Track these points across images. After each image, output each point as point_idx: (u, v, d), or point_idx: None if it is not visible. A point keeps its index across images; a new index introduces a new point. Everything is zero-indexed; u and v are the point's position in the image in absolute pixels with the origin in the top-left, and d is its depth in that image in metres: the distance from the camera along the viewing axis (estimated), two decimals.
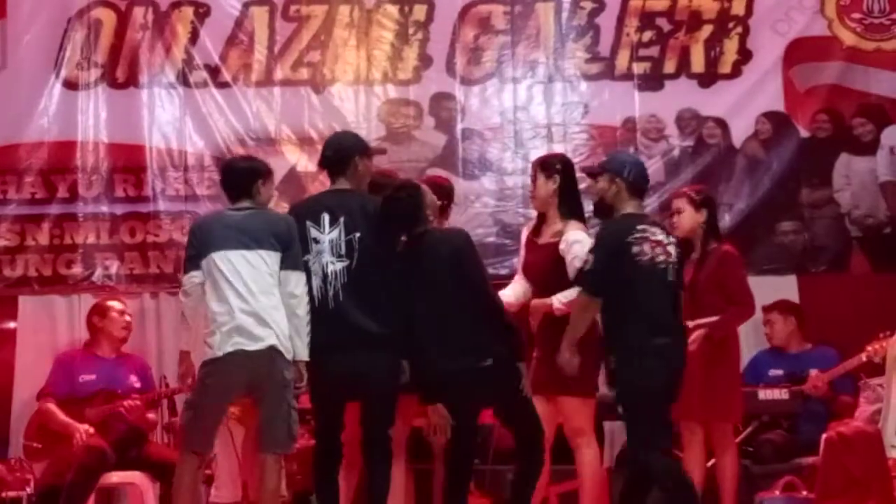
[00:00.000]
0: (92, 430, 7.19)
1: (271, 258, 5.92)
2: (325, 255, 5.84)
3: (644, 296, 5.92)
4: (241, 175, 6.20)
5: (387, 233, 5.90)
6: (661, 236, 6.02)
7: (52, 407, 7.32)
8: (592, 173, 6.28)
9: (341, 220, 5.86)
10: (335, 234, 5.86)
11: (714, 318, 6.60)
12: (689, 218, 6.75)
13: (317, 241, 5.87)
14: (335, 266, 5.83)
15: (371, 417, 5.85)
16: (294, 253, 5.92)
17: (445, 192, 6.53)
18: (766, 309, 7.87)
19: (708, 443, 6.77)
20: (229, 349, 5.90)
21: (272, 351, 5.89)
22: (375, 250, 5.84)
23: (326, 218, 5.89)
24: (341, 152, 6.09)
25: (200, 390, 6.05)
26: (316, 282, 5.85)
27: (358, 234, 5.83)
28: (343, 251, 5.83)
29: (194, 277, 6.02)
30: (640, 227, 5.98)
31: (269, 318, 5.88)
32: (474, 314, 5.87)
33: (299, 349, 5.90)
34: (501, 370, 5.90)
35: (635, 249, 5.92)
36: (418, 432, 6.36)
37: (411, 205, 5.95)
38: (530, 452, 6.05)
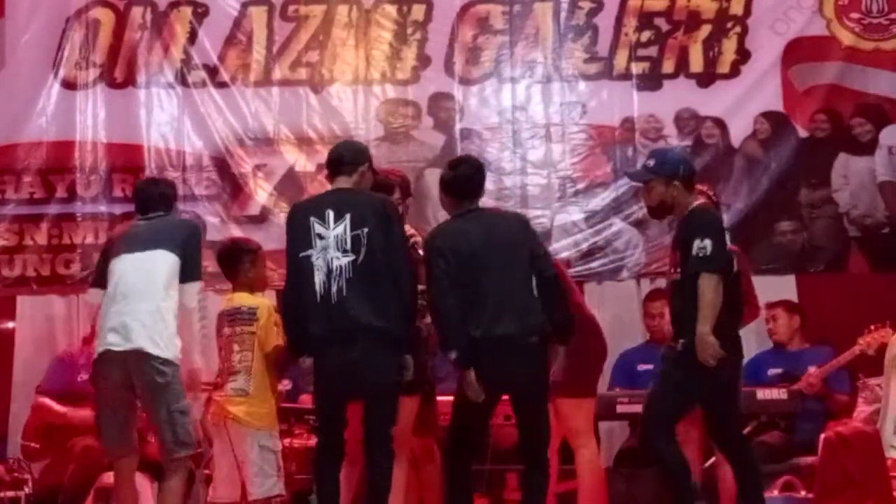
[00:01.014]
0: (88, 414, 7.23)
1: (167, 259, 6.00)
2: (330, 251, 5.82)
3: (728, 285, 5.95)
4: (153, 196, 6.30)
5: (398, 227, 5.92)
6: None
7: (47, 401, 7.29)
8: (642, 179, 6.27)
9: (347, 216, 5.84)
10: (340, 229, 5.84)
11: None
12: None
13: (321, 237, 5.85)
14: (340, 261, 5.81)
15: (372, 416, 5.84)
16: (192, 263, 6.03)
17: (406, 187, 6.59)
18: (770, 305, 7.88)
19: (707, 443, 6.77)
20: (101, 349, 6.00)
21: (139, 353, 5.90)
22: (385, 245, 5.83)
23: (331, 214, 5.87)
24: (355, 155, 6.09)
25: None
26: (319, 277, 5.81)
27: (366, 230, 5.81)
28: (349, 246, 5.81)
29: (89, 296, 6.24)
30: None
31: (143, 320, 5.92)
32: (531, 291, 5.90)
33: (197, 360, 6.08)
34: (541, 351, 5.92)
35: (726, 238, 6.05)
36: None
37: (478, 176, 6.10)
38: (534, 457, 6.01)
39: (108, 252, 6.17)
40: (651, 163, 6.22)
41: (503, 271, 5.87)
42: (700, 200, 6.17)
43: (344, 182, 6.01)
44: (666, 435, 5.99)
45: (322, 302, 5.80)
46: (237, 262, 6.42)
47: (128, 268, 6.00)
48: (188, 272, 6.02)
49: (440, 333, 5.90)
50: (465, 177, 6.10)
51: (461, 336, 5.81)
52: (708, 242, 5.89)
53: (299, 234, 5.89)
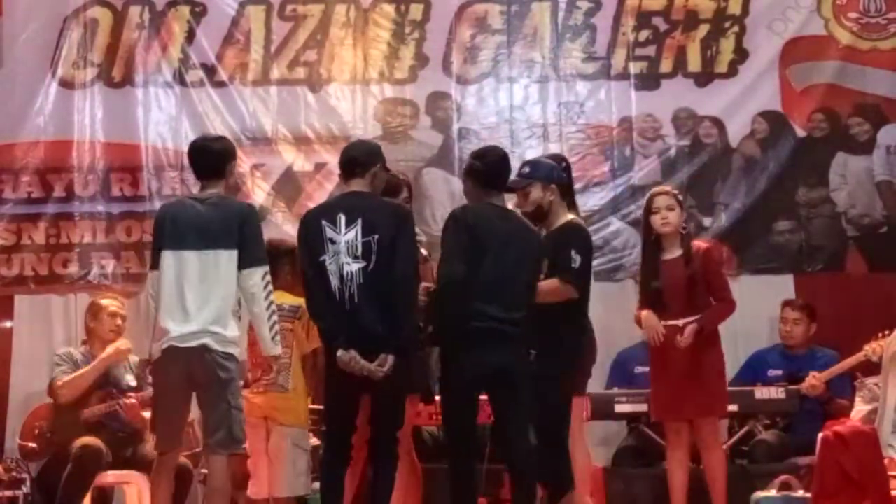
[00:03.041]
0: (124, 343, 7.24)
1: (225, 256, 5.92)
2: (341, 256, 5.81)
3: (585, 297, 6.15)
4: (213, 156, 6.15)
5: (410, 234, 5.92)
6: None
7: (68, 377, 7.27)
8: (518, 188, 6.33)
9: (359, 221, 5.83)
10: (351, 235, 5.83)
11: (698, 316, 6.63)
12: (678, 216, 6.79)
13: (333, 242, 5.84)
14: (351, 267, 5.80)
15: (380, 418, 5.84)
16: (249, 248, 5.90)
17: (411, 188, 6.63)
18: (792, 307, 7.89)
19: (695, 441, 6.79)
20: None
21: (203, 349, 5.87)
22: (395, 252, 5.81)
23: (342, 218, 5.86)
24: (368, 156, 6.06)
25: None
26: (334, 282, 5.81)
27: (377, 236, 5.81)
28: (359, 252, 5.80)
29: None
30: None
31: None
32: (527, 291, 5.97)
33: (267, 345, 5.91)
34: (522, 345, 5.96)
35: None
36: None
37: (505, 166, 6.14)
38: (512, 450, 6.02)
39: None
40: (526, 169, 6.37)
41: (508, 265, 5.89)
42: (573, 216, 6.26)
43: (358, 185, 6.00)
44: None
45: (338, 307, 5.80)
46: (276, 263, 6.37)
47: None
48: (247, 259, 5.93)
49: (442, 300, 5.88)
50: (492, 165, 6.12)
51: (449, 317, 5.86)
52: (579, 258, 6.06)
53: (313, 239, 5.89)
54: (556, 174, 6.27)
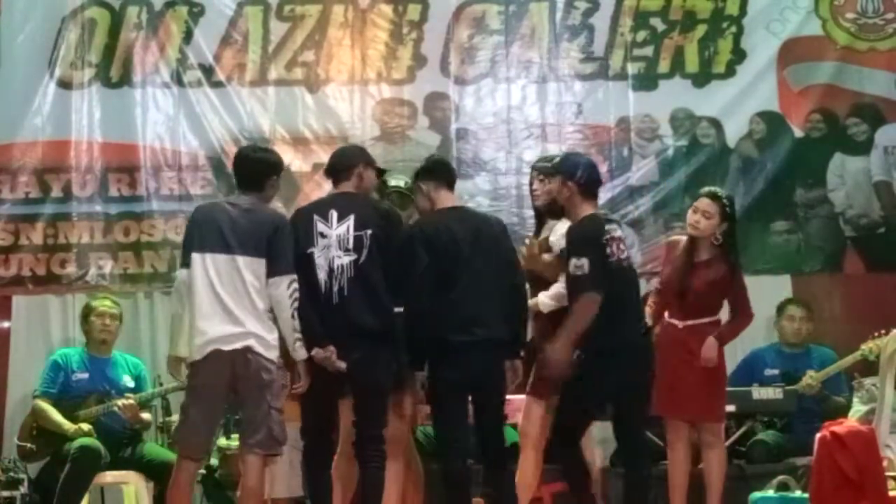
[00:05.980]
0: (87, 427, 7.18)
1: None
2: (332, 250, 5.89)
3: (616, 296, 6.02)
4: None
5: (398, 234, 5.94)
6: (619, 232, 6.20)
7: (46, 405, 7.32)
8: (547, 172, 6.33)
9: (351, 216, 5.94)
10: (343, 229, 5.92)
11: (710, 319, 6.61)
12: (713, 226, 6.64)
13: (323, 236, 5.93)
14: (342, 260, 5.88)
15: (364, 416, 5.86)
16: (278, 257, 5.94)
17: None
18: (797, 304, 7.89)
19: (696, 441, 6.78)
20: None
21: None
22: (386, 247, 5.88)
23: (334, 214, 5.96)
24: (345, 159, 6.20)
25: None
26: (322, 275, 5.89)
27: (369, 231, 5.90)
28: (351, 245, 5.89)
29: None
30: (607, 227, 6.13)
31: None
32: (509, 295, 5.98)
33: (291, 351, 5.92)
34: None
35: (607, 251, 6.04)
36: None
37: (450, 165, 6.29)
38: (500, 455, 6.03)
39: None
40: (557, 160, 6.38)
41: (484, 273, 5.89)
42: (589, 212, 6.18)
43: (346, 186, 6.12)
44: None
45: (324, 301, 5.85)
46: None
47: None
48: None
49: (405, 331, 5.90)
50: (441, 161, 6.28)
51: (424, 340, 5.88)
52: (584, 262, 5.95)
53: (302, 232, 5.96)
54: (579, 173, 6.18)
